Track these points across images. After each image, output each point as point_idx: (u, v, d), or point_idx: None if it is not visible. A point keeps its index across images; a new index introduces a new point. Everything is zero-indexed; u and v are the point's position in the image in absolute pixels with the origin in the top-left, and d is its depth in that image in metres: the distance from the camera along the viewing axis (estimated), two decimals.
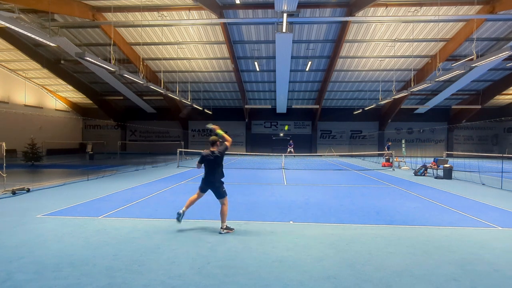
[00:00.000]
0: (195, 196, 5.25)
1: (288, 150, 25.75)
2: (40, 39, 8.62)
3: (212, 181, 5.03)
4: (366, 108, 25.58)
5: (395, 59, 20.23)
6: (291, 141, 27.18)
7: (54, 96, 27.53)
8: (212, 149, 5.04)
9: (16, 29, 7.79)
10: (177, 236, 4.80)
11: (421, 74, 21.10)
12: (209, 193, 5.25)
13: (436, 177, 12.52)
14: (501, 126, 28.67)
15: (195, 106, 23.93)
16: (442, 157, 14.60)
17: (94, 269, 3.57)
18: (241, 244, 4.45)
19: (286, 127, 29.65)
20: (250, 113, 29.85)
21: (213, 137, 5.14)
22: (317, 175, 13.54)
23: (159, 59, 20.49)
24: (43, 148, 21.75)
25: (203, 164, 5.10)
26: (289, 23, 13.25)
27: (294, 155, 25.99)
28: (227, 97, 27.80)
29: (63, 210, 6.40)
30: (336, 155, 29.18)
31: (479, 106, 24.71)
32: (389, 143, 24.82)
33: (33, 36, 8.29)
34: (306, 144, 30.25)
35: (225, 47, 18.68)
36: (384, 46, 18.68)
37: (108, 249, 4.20)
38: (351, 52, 19.59)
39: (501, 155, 12.47)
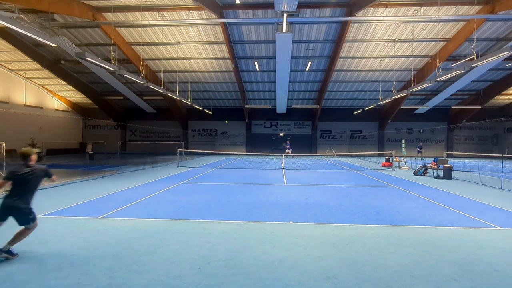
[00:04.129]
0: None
1: (286, 151, 24.89)
2: (40, 39, 8.62)
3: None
4: (366, 108, 25.57)
5: (395, 59, 20.23)
6: (288, 142, 26.25)
7: (54, 96, 27.53)
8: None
9: (16, 29, 7.79)
10: (177, 236, 4.80)
11: (421, 74, 21.09)
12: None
13: (436, 177, 12.52)
14: (501, 126, 28.67)
15: (195, 106, 23.93)
16: (442, 157, 14.59)
17: (94, 269, 3.57)
18: (241, 244, 4.45)
19: (226, 121, 29.41)
20: (250, 113, 29.85)
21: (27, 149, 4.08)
22: (317, 175, 13.54)
23: (159, 59, 20.48)
24: (43, 148, 21.73)
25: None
26: (289, 23, 13.24)
27: (292, 156, 25.31)
28: (227, 97, 27.80)
29: (63, 210, 6.40)
30: (336, 155, 29.17)
31: (479, 106, 24.70)
32: (421, 143, 25.15)
33: (33, 36, 8.30)
34: (306, 144, 30.25)
35: (225, 47, 18.68)
36: (384, 46, 18.67)
37: (108, 249, 4.20)
38: (351, 52, 19.58)
39: (501, 155, 12.46)
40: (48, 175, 4.15)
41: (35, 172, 3.94)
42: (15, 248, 3.97)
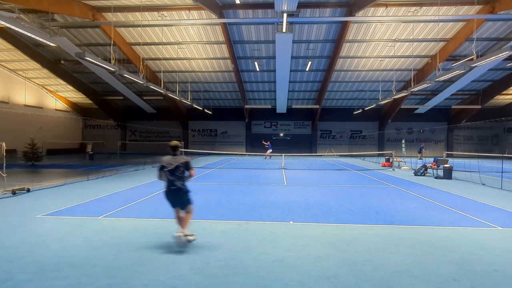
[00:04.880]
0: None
1: (268, 151, 23.57)
2: (40, 39, 8.62)
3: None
4: (366, 108, 25.58)
5: (395, 59, 20.23)
6: (269, 142, 24.39)
7: (54, 96, 27.53)
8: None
9: (16, 29, 7.79)
10: None
11: (421, 74, 21.10)
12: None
13: (436, 177, 12.52)
14: (501, 126, 28.68)
15: (195, 106, 23.93)
16: (442, 157, 14.60)
17: (94, 269, 3.57)
18: (241, 244, 4.45)
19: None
20: (250, 113, 29.85)
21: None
22: (317, 175, 13.54)
23: (159, 59, 20.48)
24: (43, 148, 21.74)
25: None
26: (289, 23, 13.23)
27: (268, 156, 23.95)
28: (227, 97, 27.80)
29: (63, 210, 6.40)
30: (336, 155, 29.18)
31: (479, 106, 24.70)
32: (423, 144, 24.75)
33: (33, 36, 8.29)
34: (306, 144, 30.25)
35: (225, 47, 18.68)
36: (384, 46, 18.67)
37: (108, 249, 4.20)
38: (351, 52, 19.58)
39: (501, 155, 12.45)
40: (187, 167, 4.45)
41: (179, 160, 4.42)
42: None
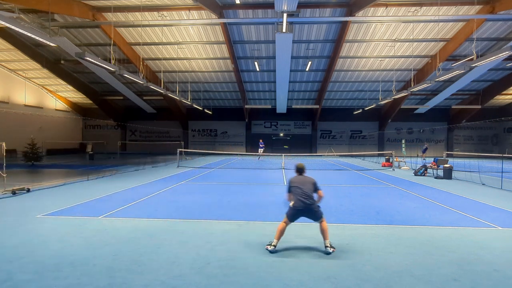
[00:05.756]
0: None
1: (261, 151, 23.32)
2: (40, 39, 8.62)
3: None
4: (366, 108, 25.58)
5: (395, 59, 20.23)
6: (261, 141, 24.27)
7: (54, 96, 27.53)
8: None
9: (16, 29, 7.79)
10: (177, 236, 4.80)
11: (421, 74, 21.10)
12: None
13: (436, 177, 12.52)
14: (501, 126, 28.68)
15: (195, 106, 23.93)
16: (442, 157, 14.60)
17: (94, 269, 3.57)
18: (241, 244, 4.45)
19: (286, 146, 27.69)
20: (250, 113, 29.85)
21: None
22: (317, 175, 13.53)
23: (159, 59, 20.49)
24: (43, 148, 21.74)
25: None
26: (289, 23, 13.23)
27: (259, 156, 24.05)
28: (227, 97, 27.80)
29: (63, 210, 6.40)
30: (336, 155, 29.17)
31: (479, 106, 24.71)
32: (426, 145, 24.48)
33: (33, 36, 8.29)
34: (306, 144, 30.25)
35: (225, 47, 18.68)
36: (384, 46, 18.67)
37: (108, 249, 4.20)
38: (351, 52, 19.59)
39: (501, 155, 12.45)
40: (316, 188, 4.47)
41: (307, 180, 4.50)
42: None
